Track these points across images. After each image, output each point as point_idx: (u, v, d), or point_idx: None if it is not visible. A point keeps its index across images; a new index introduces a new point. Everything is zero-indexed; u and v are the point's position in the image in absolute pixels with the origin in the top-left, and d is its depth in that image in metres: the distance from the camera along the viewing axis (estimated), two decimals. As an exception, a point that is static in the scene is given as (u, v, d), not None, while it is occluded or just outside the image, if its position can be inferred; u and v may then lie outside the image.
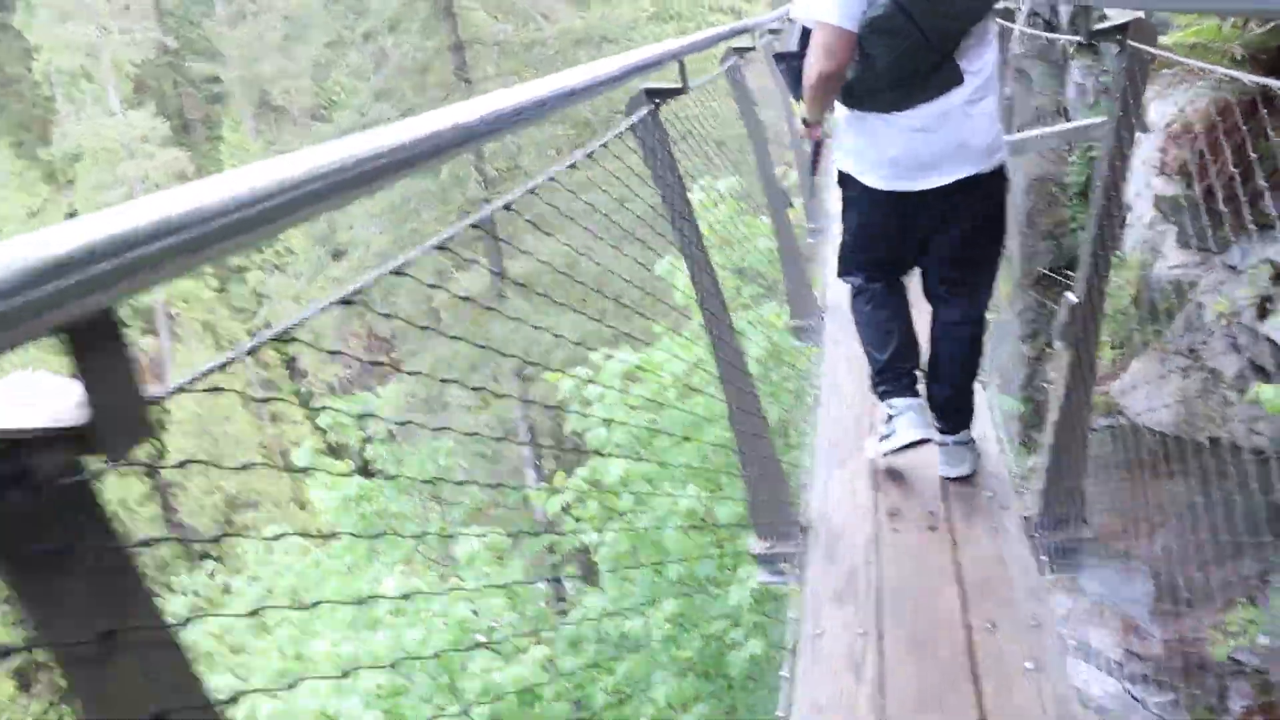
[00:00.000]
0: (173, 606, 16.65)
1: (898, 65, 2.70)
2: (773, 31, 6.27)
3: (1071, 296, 2.41)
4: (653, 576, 6.60)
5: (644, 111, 2.48)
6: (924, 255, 3.08)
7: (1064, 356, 2.45)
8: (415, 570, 10.39)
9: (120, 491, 28.86)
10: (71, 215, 30.59)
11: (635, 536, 6.60)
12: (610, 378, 6.53)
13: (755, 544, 2.80)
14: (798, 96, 3.10)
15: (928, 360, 3.20)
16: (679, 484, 6.40)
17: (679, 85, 2.65)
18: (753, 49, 5.41)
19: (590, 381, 7.08)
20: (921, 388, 3.23)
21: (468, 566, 8.01)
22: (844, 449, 3.34)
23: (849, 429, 3.52)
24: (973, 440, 3.22)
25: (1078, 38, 2.78)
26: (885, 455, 3.23)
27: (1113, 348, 4.84)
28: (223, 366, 0.87)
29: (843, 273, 3.27)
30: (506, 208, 1.63)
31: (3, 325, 0.55)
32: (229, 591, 15.91)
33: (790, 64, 3.05)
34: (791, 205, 5.48)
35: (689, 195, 7.03)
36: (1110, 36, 2.49)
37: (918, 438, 3.17)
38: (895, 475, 3.16)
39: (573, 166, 1.97)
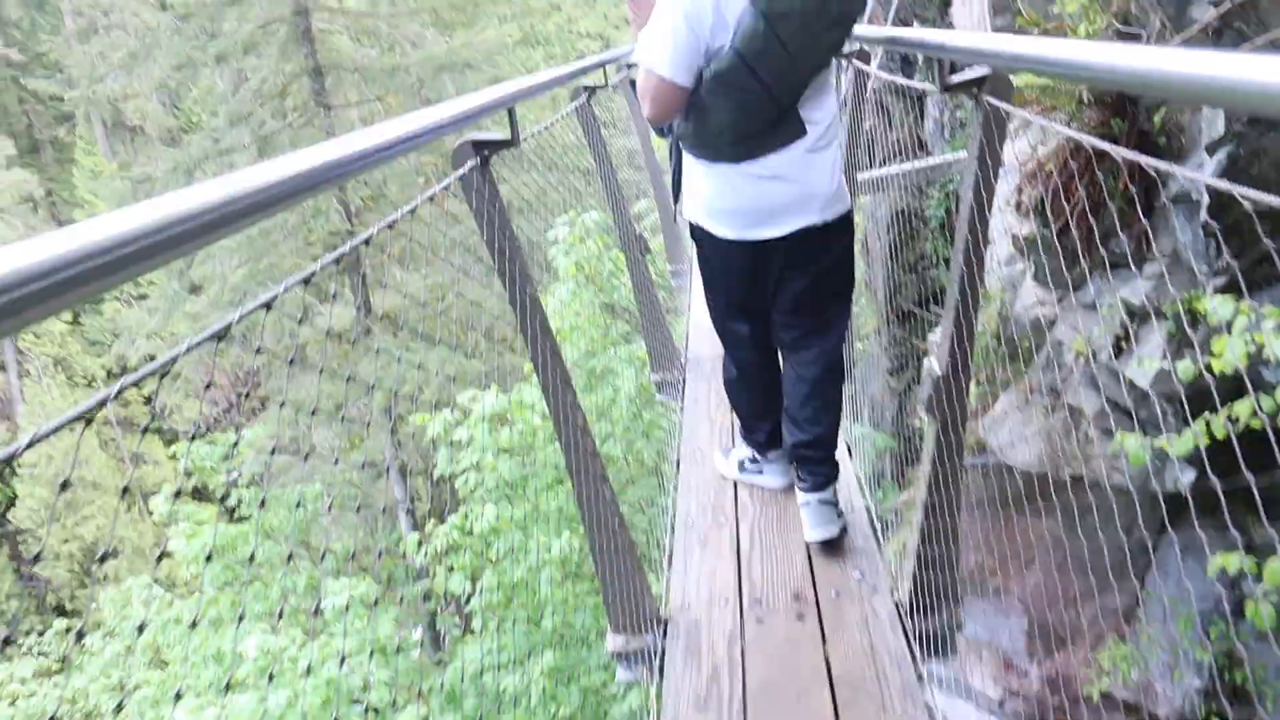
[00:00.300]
0: (17, 670, 15.51)
1: (741, 118, 2.66)
2: (630, 65, 6.08)
3: (935, 366, 2.28)
4: (528, 627, 6.35)
5: (469, 165, 2.27)
6: (772, 304, 3.05)
7: (929, 430, 2.32)
8: (282, 624, 9.87)
9: (-35, 539, 27.01)
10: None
11: (509, 585, 6.34)
12: (478, 421, 6.26)
13: (612, 639, 2.57)
14: (660, 133, 3.15)
15: (785, 408, 3.15)
16: (553, 530, 6.17)
17: (507, 137, 2.37)
18: (604, 86, 5.09)
19: (458, 424, 6.81)
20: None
21: (337, 620, 7.61)
22: (704, 526, 3.18)
23: (708, 504, 3.35)
24: (837, 501, 3.12)
25: (933, 87, 2.66)
26: (737, 477, 3.40)
27: (977, 384, 4.83)
28: (86, 420, 0.87)
29: (715, 325, 3.24)
30: (366, 242, 1.60)
31: None
32: (84, 650, 14.92)
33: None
34: (649, 251, 5.26)
35: (551, 232, 6.84)
36: (965, 90, 2.39)
37: (783, 485, 3.29)
38: (759, 549, 3.01)
39: (390, 226, 1.82)
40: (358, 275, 10.02)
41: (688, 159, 2.92)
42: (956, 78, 2.39)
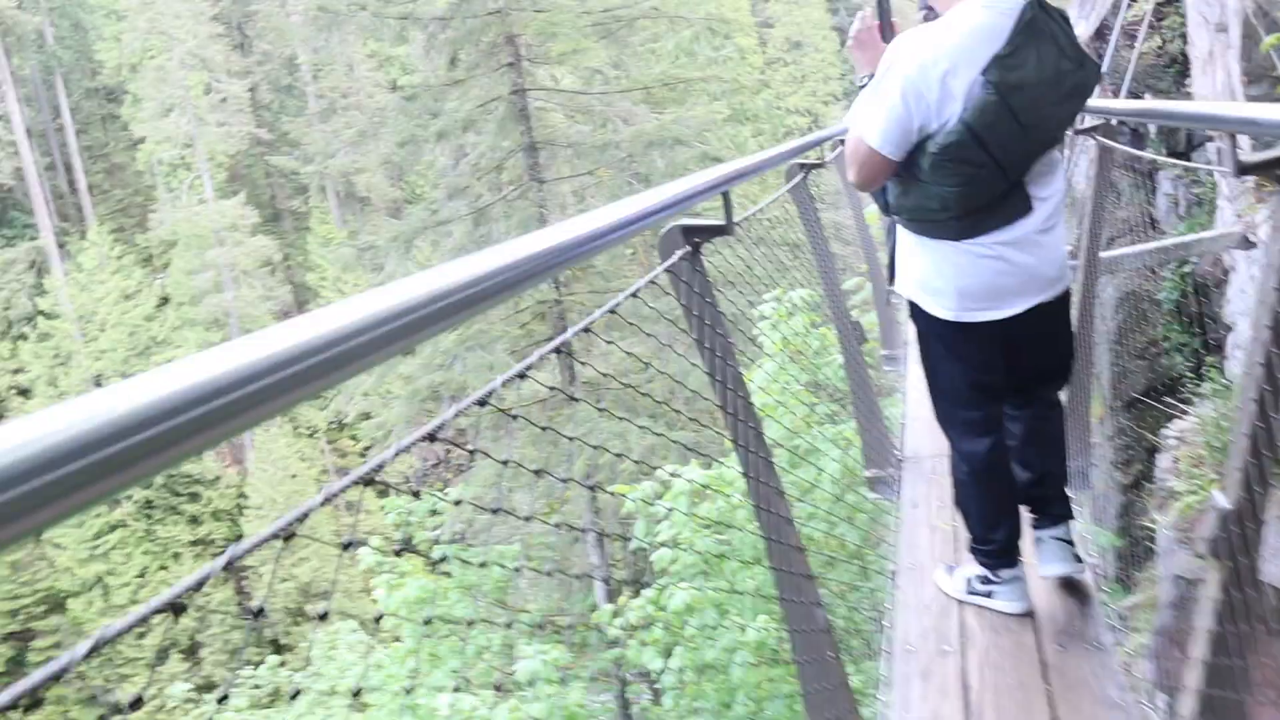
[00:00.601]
0: (234, 701, 16.50)
1: (967, 193, 2.53)
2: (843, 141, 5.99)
3: (1221, 499, 1.95)
4: (718, 710, 6.19)
5: (679, 254, 2.10)
6: (1002, 384, 2.94)
7: (1212, 573, 1.98)
8: (474, 678, 10.07)
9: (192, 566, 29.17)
10: (165, 299, 31.86)
11: (700, 664, 6.21)
12: (677, 496, 6.22)
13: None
14: (884, 209, 2.89)
15: (1015, 460, 2.99)
16: (750, 613, 6.01)
17: (721, 222, 2.19)
18: (822, 165, 5.00)
19: (656, 499, 6.79)
20: (1026, 550, 3.01)
21: (529, 683, 7.69)
22: (925, 654, 2.84)
23: (930, 628, 2.99)
24: (1073, 541, 3.03)
25: (1224, 169, 2.25)
26: (964, 598, 3.06)
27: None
28: (367, 481, 0.93)
29: (939, 414, 3.03)
30: (558, 351, 1.55)
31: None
32: (288, 687, 15.74)
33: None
34: (865, 340, 5.11)
35: (759, 309, 6.77)
36: (1266, 172, 2.04)
37: (1019, 611, 2.92)
38: (990, 688, 2.65)
39: (612, 311, 1.74)
40: (564, 345, 10.27)
41: (903, 234, 2.82)
42: (1257, 156, 2.01)
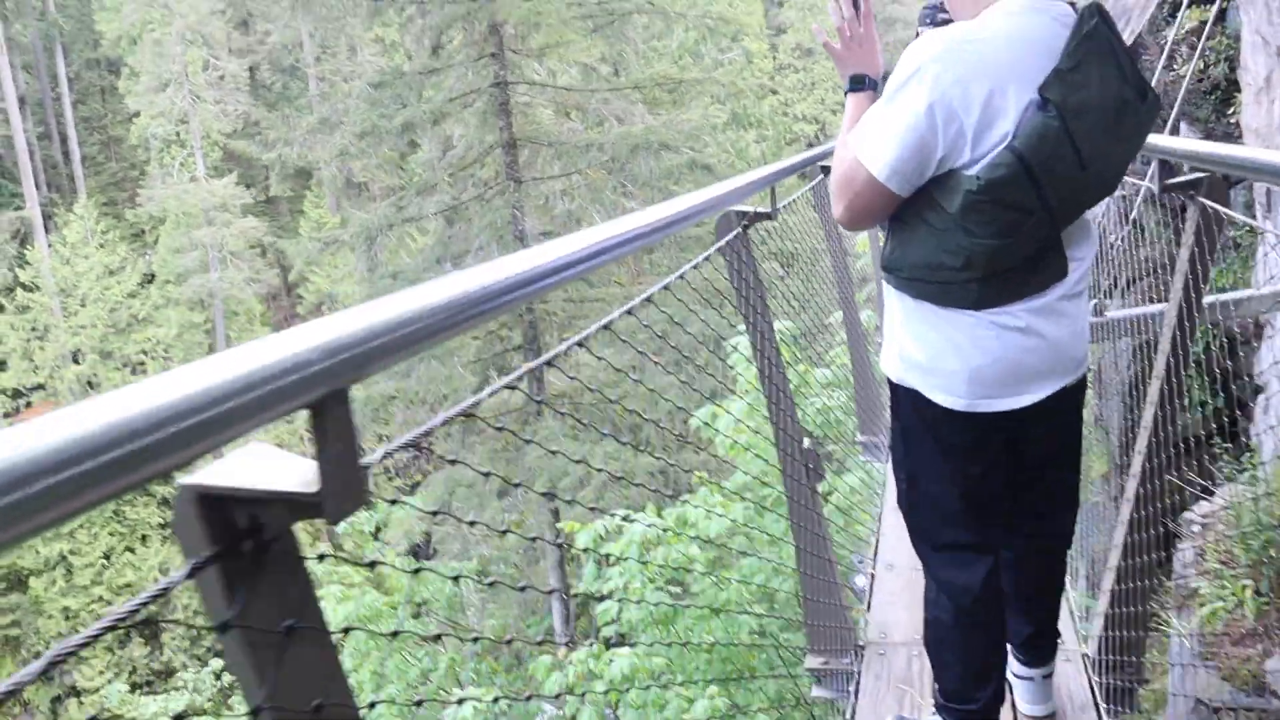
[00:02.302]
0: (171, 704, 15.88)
1: (1002, 249, 1.90)
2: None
3: None
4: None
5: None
6: (1004, 496, 2.34)
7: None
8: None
9: (163, 558, 28.61)
10: (150, 277, 31.24)
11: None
12: (627, 545, 5.56)
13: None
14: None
15: (1008, 601, 2.44)
16: (701, 681, 5.34)
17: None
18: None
19: (603, 542, 6.15)
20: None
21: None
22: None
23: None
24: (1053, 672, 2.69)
25: (1149, 184, 2.28)
26: None
27: (1257, 594, 3.71)
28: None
29: (920, 536, 2.40)
30: (550, 363, 1.55)
31: (272, 400, 0.73)
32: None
33: None
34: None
35: (731, 341, 6.12)
36: (1183, 191, 2.47)
37: None
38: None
39: (648, 300, 1.89)
40: (531, 353, 9.67)
41: (898, 299, 2.13)
42: (1176, 179, 2.51)
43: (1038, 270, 1.97)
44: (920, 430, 2.20)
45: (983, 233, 1.86)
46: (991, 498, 2.22)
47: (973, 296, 1.97)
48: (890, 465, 2.84)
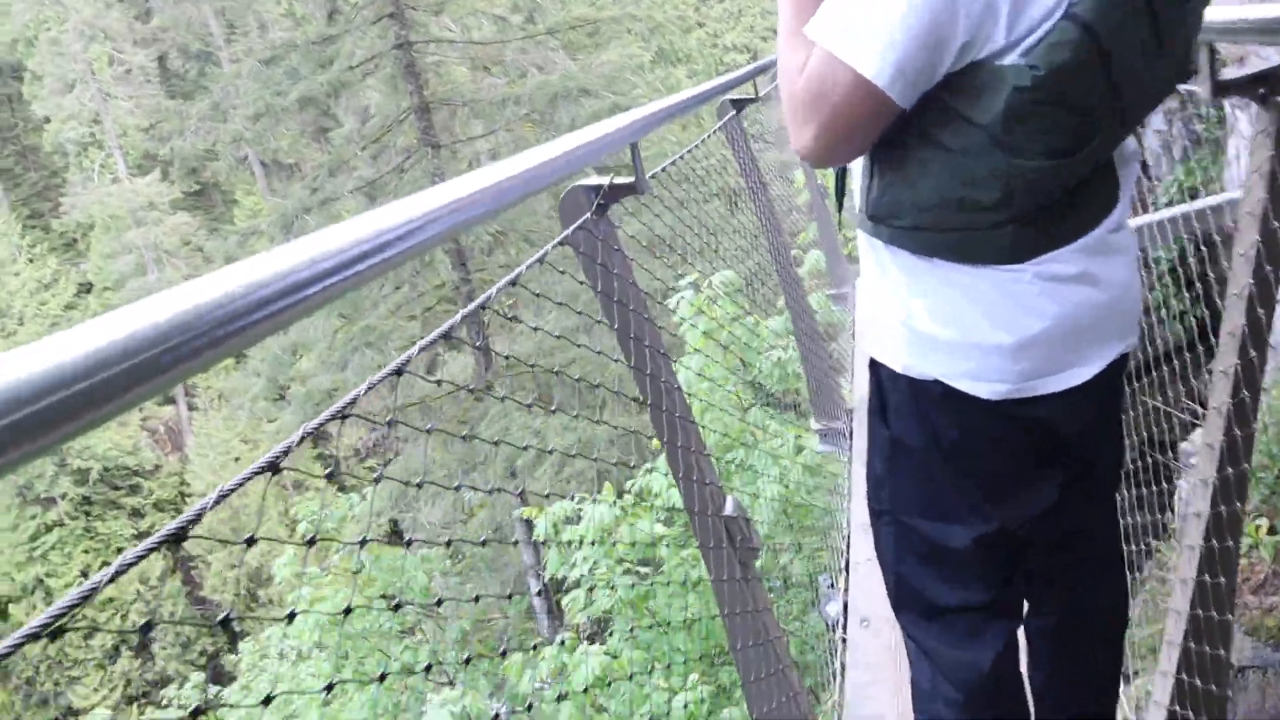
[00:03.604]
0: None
1: (1056, 172, 1.31)
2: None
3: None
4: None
5: (580, 220, 1.80)
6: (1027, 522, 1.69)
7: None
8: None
9: (142, 569, 28.20)
10: (87, 286, 30.26)
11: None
12: (585, 530, 5.22)
13: None
14: (839, 193, 1.70)
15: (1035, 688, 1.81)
16: (676, 667, 5.04)
17: (629, 180, 1.86)
18: (755, 100, 4.30)
19: (565, 526, 5.83)
20: None
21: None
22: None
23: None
24: None
25: (1194, 88, 1.79)
26: None
27: (1272, 533, 3.38)
28: (273, 469, 0.94)
29: (909, 610, 1.75)
30: (483, 306, 1.48)
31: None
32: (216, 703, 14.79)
33: None
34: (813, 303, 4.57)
35: (675, 297, 5.74)
36: (1248, 90, 1.79)
37: None
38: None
39: (513, 283, 1.53)
40: (475, 325, 9.23)
41: (891, 258, 1.49)
42: (1235, 75, 1.76)
43: (1087, 199, 1.39)
44: (924, 442, 1.57)
45: (1034, 149, 1.26)
46: (1016, 530, 1.60)
47: (1006, 243, 1.36)
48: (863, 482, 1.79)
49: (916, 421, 1.56)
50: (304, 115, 9.31)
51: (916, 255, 1.44)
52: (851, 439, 4.09)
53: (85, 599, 0.66)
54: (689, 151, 3.35)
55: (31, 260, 29.57)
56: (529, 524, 8.74)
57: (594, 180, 1.80)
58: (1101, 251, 1.43)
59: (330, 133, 25.07)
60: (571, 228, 1.76)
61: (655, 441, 6.72)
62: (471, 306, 1.44)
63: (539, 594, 9.93)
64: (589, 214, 1.76)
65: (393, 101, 9.96)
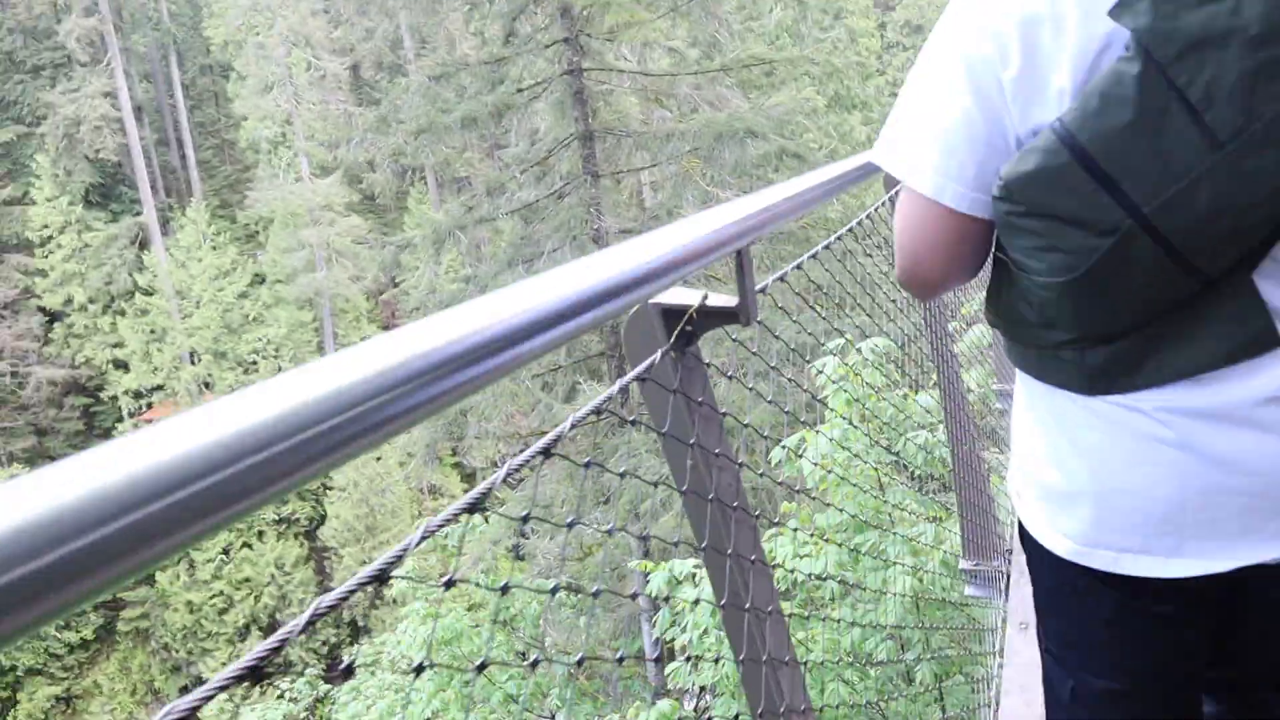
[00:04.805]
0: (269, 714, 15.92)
1: (1073, 294, 1.11)
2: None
3: None
4: None
5: (651, 360, 1.27)
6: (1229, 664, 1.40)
7: None
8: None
9: (278, 553, 29.24)
10: (260, 277, 31.86)
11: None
12: (701, 591, 4.88)
13: None
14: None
15: None
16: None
17: (730, 303, 1.33)
18: None
19: (679, 585, 5.52)
20: None
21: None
22: None
23: None
24: None
25: None
26: None
27: None
28: (475, 509, 0.93)
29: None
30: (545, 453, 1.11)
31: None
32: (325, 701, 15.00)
33: None
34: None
35: (818, 363, 5.31)
36: None
37: None
38: None
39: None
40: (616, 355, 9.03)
41: (1018, 372, 1.31)
42: None
43: (1193, 336, 1.09)
44: (1050, 593, 1.38)
45: (1041, 265, 1.11)
46: (1176, 692, 1.35)
47: (1079, 370, 1.17)
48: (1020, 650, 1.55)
49: (1042, 573, 1.38)
50: (467, 134, 9.32)
51: (1020, 373, 1.29)
52: (1008, 588, 3.20)
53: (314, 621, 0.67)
54: (837, 239, 2.49)
55: (215, 248, 31.31)
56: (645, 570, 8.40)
57: (677, 298, 1.29)
58: (1234, 416, 1.10)
59: (501, 152, 25.69)
60: (639, 369, 1.27)
61: (784, 506, 6.30)
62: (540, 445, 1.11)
63: (655, 641, 9.63)
64: (665, 348, 1.29)
65: (560, 127, 9.93)
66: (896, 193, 3.53)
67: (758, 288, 1.41)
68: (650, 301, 1.21)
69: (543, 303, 0.83)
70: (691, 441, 1.33)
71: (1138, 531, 1.19)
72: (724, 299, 1.28)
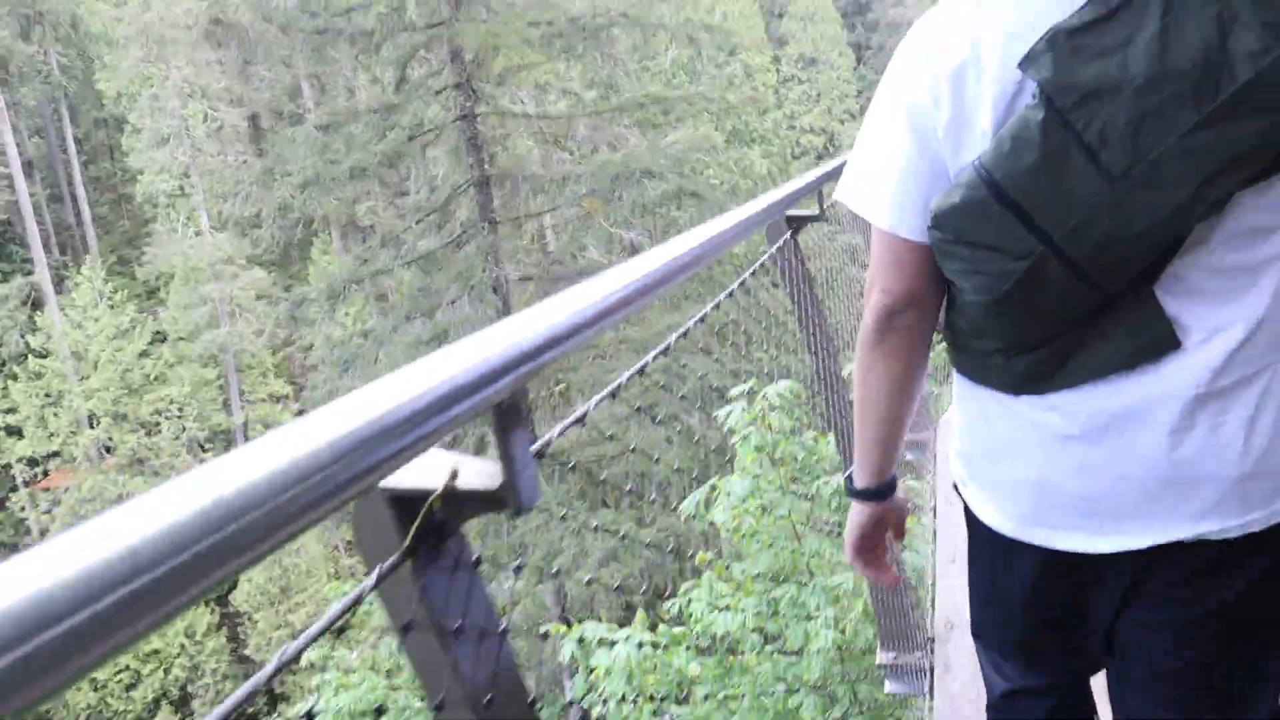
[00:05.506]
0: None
1: (1008, 311, 1.28)
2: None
3: None
4: None
5: (784, 238, 2.61)
6: (1114, 659, 1.50)
7: None
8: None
9: (188, 620, 28.11)
10: (160, 335, 30.84)
11: None
12: (609, 670, 4.63)
13: None
14: None
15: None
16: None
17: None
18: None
19: (599, 645, 5.24)
20: None
21: None
22: None
23: None
24: None
25: None
26: None
27: None
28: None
29: (979, 645, 1.75)
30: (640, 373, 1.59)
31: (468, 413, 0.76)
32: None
33: None
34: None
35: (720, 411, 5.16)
36: None
37: None
38: None
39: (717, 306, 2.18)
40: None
41: (957, 382, 1.51)
42: None
43: (1104, 337, 1.24)
44: (974, 543, 1.58)
45: (968, 285, 1.28)
46: (1064, 646, 1.56)
47: (1006, 374, 1.33)
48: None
49: (969, 526, 1.57)
50: (358, 184, 9.02)
51: (959, 376, 1.46)
52: (932, 679, 3.01)
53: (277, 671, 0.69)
54: (739, 284, 2.65)
55: (113, 306, 30.22)
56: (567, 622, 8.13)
57: (415, 478, 1.15)
58: (1141, 414, 1.25)
59: (399, 201, 25.31)
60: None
61: (700, 557, 6.12)
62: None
63: (571, 702, 9.33)
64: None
65: (456, 173, 9.72)
66: (779, 246, 3.58)
67: (566, 422, 1.25)
68: (381, 485, 0.85)
69: (721, 227, 1.70)
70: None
71: (1061, 514, 1.34)
72: (486, 471, 0.88)
